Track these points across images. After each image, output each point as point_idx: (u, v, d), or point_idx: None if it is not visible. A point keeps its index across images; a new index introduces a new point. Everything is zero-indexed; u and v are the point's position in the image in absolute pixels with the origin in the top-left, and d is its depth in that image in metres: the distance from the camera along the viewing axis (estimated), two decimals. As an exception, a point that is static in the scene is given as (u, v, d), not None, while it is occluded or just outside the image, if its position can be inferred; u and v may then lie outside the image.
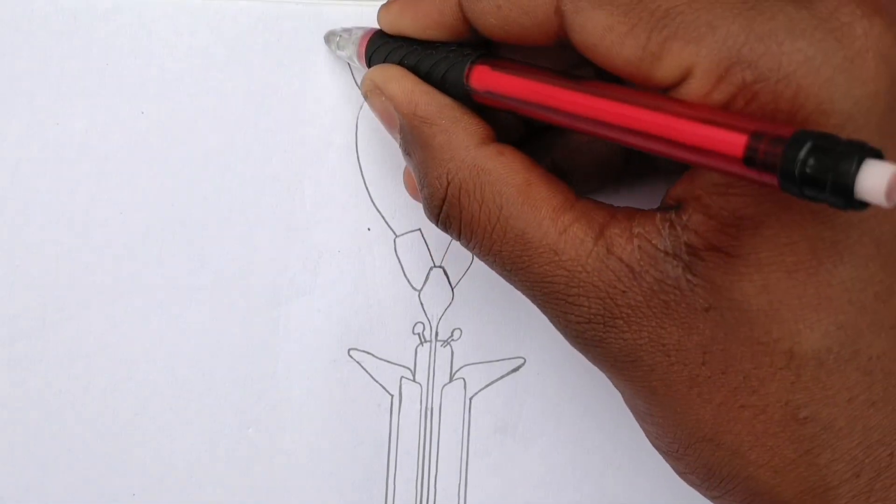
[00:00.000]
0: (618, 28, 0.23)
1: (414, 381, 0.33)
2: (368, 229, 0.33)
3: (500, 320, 0.33)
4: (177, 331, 0.33)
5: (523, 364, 0.33)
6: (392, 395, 0.33)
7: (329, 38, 0.32)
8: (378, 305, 0.33)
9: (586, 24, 0.23)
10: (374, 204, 0.33)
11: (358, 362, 0.33)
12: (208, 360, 0.33)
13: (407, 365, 0.33)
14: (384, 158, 0.33)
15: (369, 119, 0.33)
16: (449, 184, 0.26)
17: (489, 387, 0.33)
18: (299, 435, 0.32)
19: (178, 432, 0.32)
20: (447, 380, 0.33)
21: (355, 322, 0.33)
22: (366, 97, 0.28)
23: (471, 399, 0.33)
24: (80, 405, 0.32)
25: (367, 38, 0.29)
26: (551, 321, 0.26)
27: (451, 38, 0.27)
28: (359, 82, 0.33)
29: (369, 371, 0.33)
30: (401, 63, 0.28)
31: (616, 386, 0.27)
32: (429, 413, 0.33)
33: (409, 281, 0.33)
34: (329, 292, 0.33)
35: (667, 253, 0.23)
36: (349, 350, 0.33)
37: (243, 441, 0.32)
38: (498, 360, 0.33)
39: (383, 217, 0.33)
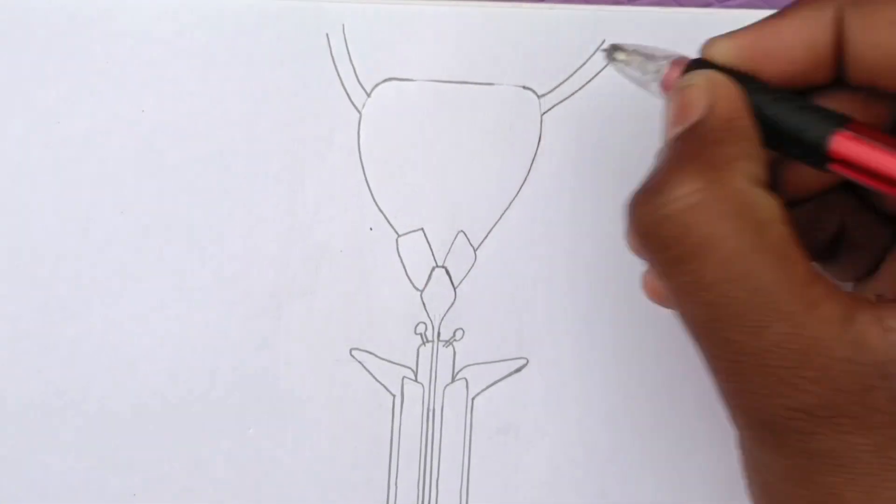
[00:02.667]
0: None
1: (416, 381, 0.33)
2: (370, 229, 0.33)
3: (503, 321, 0.33)
4: (178, 330, 0.32)
5: (525, 365, 0.33)
6: (394, 396, 0.33)
7: (615, 54, 0.27)
8: (380, 305, 0.33)
9: None
10: (376, 203, 0.33)
11: (360, 362, 0.33)
12: (210, 360, 0.32)
13: (409, 365, 0.33)
14: (386, 158, 0.33)
15: (372, 118, 0.33)
16: (703, 189, 0.21)
17: (491, 387, 0.33)
18: (301, 435, 0.32)
19: (179, 432, 0.32)
20: (449, 380, 0.33)
21: (357, 322, 0.33)
22: (683, 86, 0.24)
23: (473, 400, 0.33)
24: (81, 405, 0.32)
25: (684, 66, 0.25)
26: (737, 394, 0.22)
27: (806, 78, 0.24)
28: (362, 83, 0.33)
29: (371, 371, 0.33)
30: None
31: (750, 448, 0.23)
32: (431, 413, 0.33)
33: (411, 281, 0.33)
34: (331, 292, 0.33)
35: None
36: (351, 350, 0.33)
37: (245, 441, 0.32)
38: (500, 361, 0.33)
39: (385, 217, 0.33)
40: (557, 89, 0.33)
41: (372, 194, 0.33)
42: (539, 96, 0.33)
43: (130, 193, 0.32)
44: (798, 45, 0.23)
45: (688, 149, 0.22)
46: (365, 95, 0.33)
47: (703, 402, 0.31)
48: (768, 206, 0.22)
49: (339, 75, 0.33)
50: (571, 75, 0.33)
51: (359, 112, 0.33)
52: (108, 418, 0.32)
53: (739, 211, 0.21)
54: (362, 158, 0.33)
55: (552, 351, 0.32)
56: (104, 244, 0.32)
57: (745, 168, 0.22)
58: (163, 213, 0.32)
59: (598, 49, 0.33)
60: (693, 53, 0.33)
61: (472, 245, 0.33)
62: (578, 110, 0.33)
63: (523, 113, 0.33)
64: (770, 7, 0.35)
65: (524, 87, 0.33)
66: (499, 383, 0.33)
